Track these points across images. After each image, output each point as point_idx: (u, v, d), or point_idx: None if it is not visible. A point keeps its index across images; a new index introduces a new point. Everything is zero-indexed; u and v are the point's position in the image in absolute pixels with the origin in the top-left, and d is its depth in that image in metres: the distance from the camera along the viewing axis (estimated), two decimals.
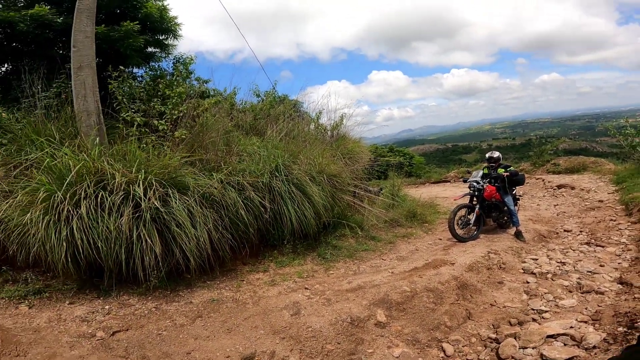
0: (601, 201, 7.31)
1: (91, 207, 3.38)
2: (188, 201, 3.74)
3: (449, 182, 11.01)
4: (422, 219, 6.75)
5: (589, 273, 4.42)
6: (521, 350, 3.00)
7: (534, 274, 4.51)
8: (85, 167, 3.61)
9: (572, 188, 8.54)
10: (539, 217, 7.07)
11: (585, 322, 3.37)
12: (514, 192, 6.15)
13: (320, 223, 5.20)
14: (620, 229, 5.67)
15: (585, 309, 3.63)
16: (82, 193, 3.44)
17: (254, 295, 3.92)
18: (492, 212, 5.96)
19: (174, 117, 5.33)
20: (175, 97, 5.38)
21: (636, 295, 3.57)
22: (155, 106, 5.44)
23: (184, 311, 3.51)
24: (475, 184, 5.78)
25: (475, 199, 5.82)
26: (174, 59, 7.01)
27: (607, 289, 3.94)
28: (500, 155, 6.12)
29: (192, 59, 6.93)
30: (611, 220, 6.20)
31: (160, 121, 5.20)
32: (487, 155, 6.18)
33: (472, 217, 5.68)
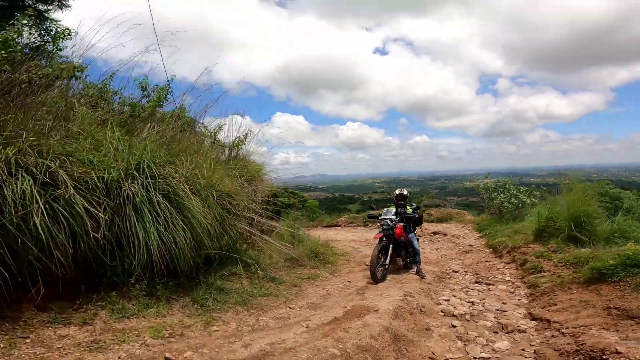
0: (471, 245, 8.05)
1: None
2: None
3: (340, 226, 10.79)
4: (324, 259, 5.81)
5: (498, 311, 4.23)
6: None
7: (455, 316, 4.04)
8: None
9: (445, 235, 9.37)
10: (427, 260, 7.12)
11: None
12: (414, 232, 5.99)
13: (200, 256, 3.61)
14: (499, 268, 6.05)
15: (523, 350, 3.25)
16: None
17: None
18: (401, 251, 5.54)
19: None
20: None
21: (562, 331, 3.36)
22: None
23: None
24: (389, 221, 5.31)
25: (386, 238, 5.29)
26: (43, 29, 5.35)
27: (526, 326, 3.74)
28: (408, 194, 6.00)
29: (68, 31, 5.02)
30: (487, 261, 6.66)
31: None
32: (396, 192, 5.97)
33: (388, 258, 5.09)
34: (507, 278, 5.48)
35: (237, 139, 5.63)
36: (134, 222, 2.97)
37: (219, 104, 5.44)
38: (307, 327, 3.11)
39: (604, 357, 2.70)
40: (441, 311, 4.15)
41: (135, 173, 3.11)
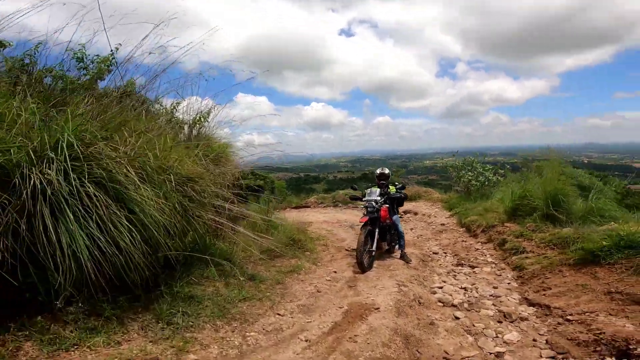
0: (443, 224, 8.03)
1: None
2: None
3: (309, 207, 10.25)
4: (302, 246, 5.25)
5: (493, 297, 4.06)
6: None
7: (455, 306, 3.77)
8: None
9: (416, 214, 9.32)
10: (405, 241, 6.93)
11: (553, 357, 2.72)
12: (397, 213, 5.65)
13: (158, 260, 2.83)
14: (478, 249, 5.99)
15: (534, 341, 3.07)
16: None
17: None
18: (386, 235, 5.17)
19: None
20: None
21: (568, 318, 3.22)
22: None
23: None
24: (374, 203, 4.86)
25: (370, 222, 4.85)
26: None
27: (526, 313, 3.60)
28: (390, 173, 5.57)
29: None
30: (463, 241, 6.61)
31: None
32: (377, 172, 5.51)
33: (375, 243, 4.68)
34: (489, 259, 5.39)
35: (198, 115, 4.68)
36: (50, 225, 2.09)
37: (175, 83, 4.38)
38: (307, 341, 2.57)
39: (630, 346, 2.54)
40: (439, 301, 3.86)
41: (51, 154, 2.19)
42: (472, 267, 5.19)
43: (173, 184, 2.97)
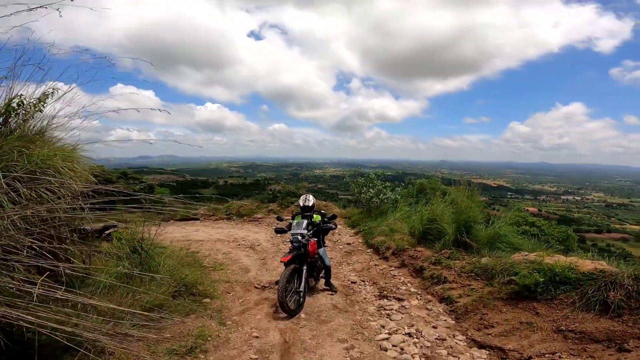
0: (349, 244, 7.57)
1: None
2: None
3: (199, 220, 8.15)
4: (200, 292, 3.67)
5: (438, 339, 3.58)
6: None
7: None
8: None
9: None
10: None
11: None
12: (324, 244, 4.75)
13: None
14: (395, 276, 5.63)
15: None
16: None
17: None
18: (313, 271, 4.15)
19: None
20: None
21: None
22: None
23: None
24: (300, 237, 3.91)
25: (297, 259, 3.84)
26: None
27: (481, 358, 3.16)
28: (315, 202, 4.61)
29: None
30: (376, 265, 6.21)
31: None
32: (301, 204, 4.53)
33: (303, 282, 3.63)
34: (412, 289, 5.02)
35: (17, 100, 2.61)
36: None
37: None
38: None
39: None
40: None
41: None
42: (399, 299, 4.70)
43: None
